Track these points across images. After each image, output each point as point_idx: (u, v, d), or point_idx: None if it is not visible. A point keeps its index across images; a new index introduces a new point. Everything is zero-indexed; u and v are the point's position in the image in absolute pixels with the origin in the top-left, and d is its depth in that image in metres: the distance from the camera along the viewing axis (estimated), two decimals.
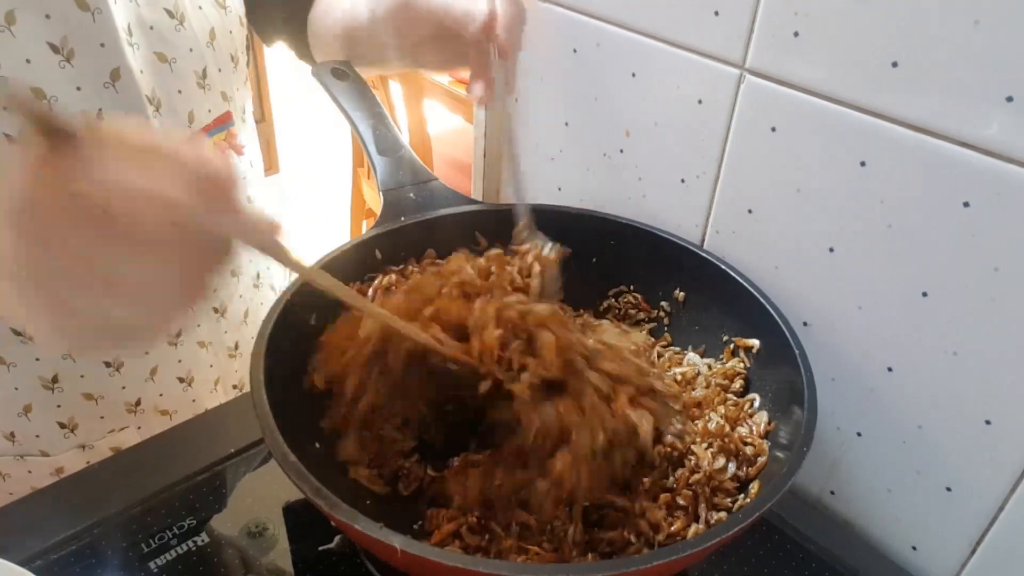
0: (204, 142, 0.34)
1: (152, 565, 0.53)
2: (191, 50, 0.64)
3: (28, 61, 0.53)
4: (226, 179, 0.35)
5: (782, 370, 0.54)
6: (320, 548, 0.55)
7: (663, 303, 0.67)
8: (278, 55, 0.85)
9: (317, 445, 0.52)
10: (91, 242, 0.33)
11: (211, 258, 0.36)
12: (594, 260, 0.68)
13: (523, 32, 0.61)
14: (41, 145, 0.32)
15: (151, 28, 0.60)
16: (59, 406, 0.66)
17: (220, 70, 0.68)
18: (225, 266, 0.37)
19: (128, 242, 0.33)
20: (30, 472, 0.68)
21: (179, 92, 0.63)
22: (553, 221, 0.65)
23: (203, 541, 0.55)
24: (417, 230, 0.65)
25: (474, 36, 0.59)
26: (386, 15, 0.63)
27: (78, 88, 0.56)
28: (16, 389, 0.63)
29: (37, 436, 0.66)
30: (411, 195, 0.67)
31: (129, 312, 0.35)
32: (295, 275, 0.58)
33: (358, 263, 0.62)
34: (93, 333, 0.37)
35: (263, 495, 0.59)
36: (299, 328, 0.54)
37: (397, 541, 0.38)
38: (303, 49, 0.79)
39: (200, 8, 0.64)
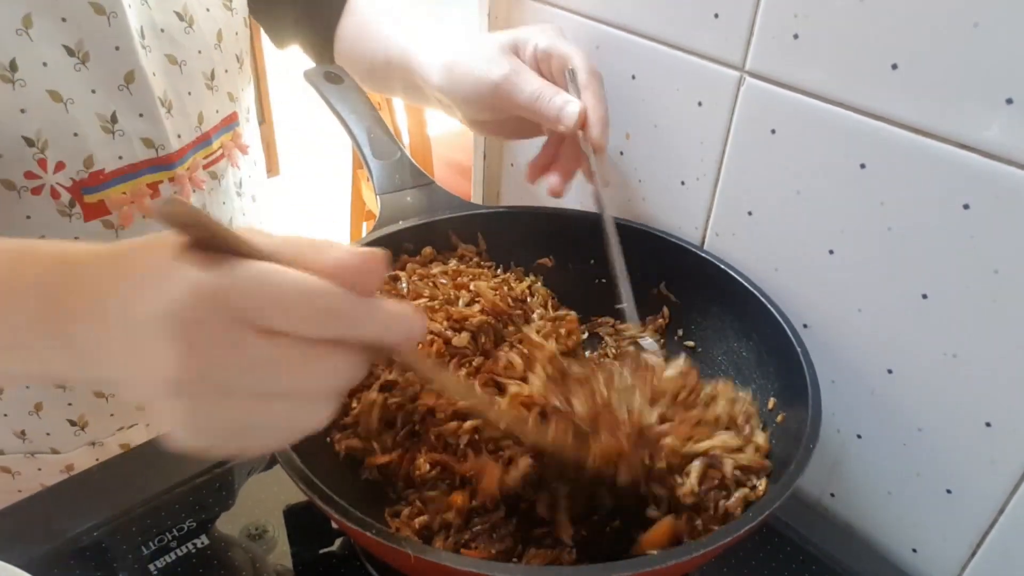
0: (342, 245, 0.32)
1: (152, 567, 0.53)
2: (200, 52, 0.64)
3: (45, 64, 0.54)
4: (373, 271, 0.33)
5: (784, 370, 0.55)
6: (321, 551, 0.55)
7: (663, 306, 0.67)
8: (278, 56, 0.84)
9: (322, 445, 0.52)
10: (251, 359, 0.30)
11: (360, 365, 0.33)
12: (592, 262, 0.68)
13: (609, 128, 0.60)
14: (195, 259, 0.29)
15: (162, 31, 0.61)
16: (70, 404, 0.66)
17: (227, 71, 0.68)
18: (364, 371, 0.34)
19: (286, 356, 0.31)
20: (40, 469, 0.68)
21: (189, 94, 0.64)
22: (552, 222, 0.65)
23: (203, 543, 0.55)
24: (416, 234, 0.65)
25: (560, 131, 0.58)
26: (466, 96, 0.60)
27: (93, 91, 0.57)
28: (27, 388, 0.64)
29: (48, 434, 0.67)
30: (408, 199, 0.67)
31: (272, 426, 0.33)
32: None
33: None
34: (224, 438, 0.33)
35: (263, 497, 0.59)
36: None
37: (410, 548, 0.38)
38: (323, 55, 0.78)
39: (208, 10, 0.65)
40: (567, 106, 0.57)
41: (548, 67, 0.60)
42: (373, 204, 2.24)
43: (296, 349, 0.31)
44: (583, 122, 0.57)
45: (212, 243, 0.30)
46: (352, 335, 0.32)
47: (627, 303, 0.59)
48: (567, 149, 0.63)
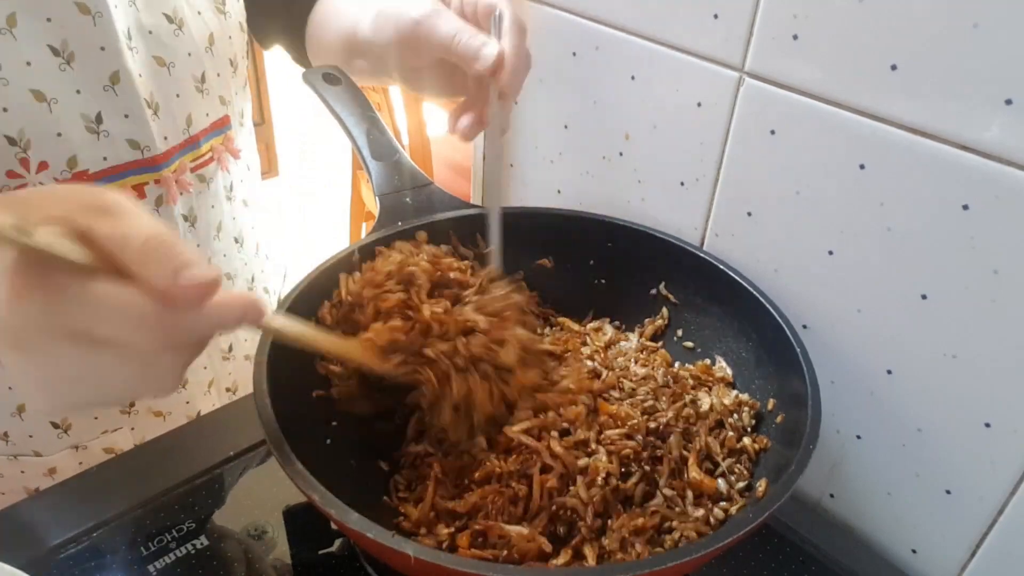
0: (182, 243, 0.36)
1: (151, 568, 0.53)
2: (189, 55, 0.64)
3: (28, 64, 0.54)
4: (205, 285, 0.35)
5: (784, 370, 0.55)
6: (320, 551, 0.55)
7: (663, 307, 0.67)
8: (278, 58, 0.84)
9: (322, 446, 0.52)
10: (69, 353, 0.35)
11: (189, 352, 0.38)
12: (592, 263, 0.68)
13: (525, 79, 0.61)
14: (28, 273, 0.33)
15: (150, 32, 0.60)
16: None
17: (219, 75, 0.68)
18: (200, 350, 0.39)
19: (108, 356, 0.35)
20: (23, 472, 0.68)
21: (177, 96, 0.64)
22: (551, 223, 0.65)
23: (202, 544, 0.55)
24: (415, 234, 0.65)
25: (478, 74, 0.59)
26: (390, 38, 0.62)
27: (78, 91, 0.56)
28: (10, 389, 0.63)
29: (30, 436, 0.66)
30: (408, 199, 0.67)
31: (105, 397, 0.38)
32: (291, 279, 0.58)
33: (356, 267, 0.62)
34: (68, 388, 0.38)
35: (263, 498, 0.59)
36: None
37: (410, 549, 0.38)
38: (300, 54, 0.79)
39: (199, 14, 0.65)
40: (485, 47, 0.57)
41: (473, 12, 0.60)
42: (373, 205, 2.24)
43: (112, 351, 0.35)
44: (499, 65, 0.57)
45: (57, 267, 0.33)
46: (174, 341, 0.36)
47: (493, 245, 0.62)
48: (484, 97, 0.63)
